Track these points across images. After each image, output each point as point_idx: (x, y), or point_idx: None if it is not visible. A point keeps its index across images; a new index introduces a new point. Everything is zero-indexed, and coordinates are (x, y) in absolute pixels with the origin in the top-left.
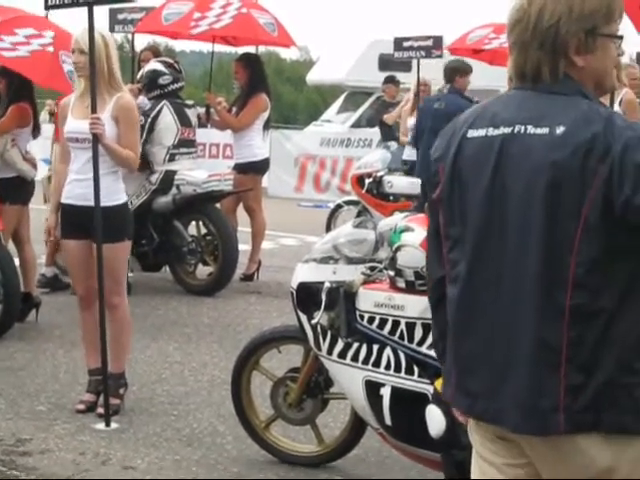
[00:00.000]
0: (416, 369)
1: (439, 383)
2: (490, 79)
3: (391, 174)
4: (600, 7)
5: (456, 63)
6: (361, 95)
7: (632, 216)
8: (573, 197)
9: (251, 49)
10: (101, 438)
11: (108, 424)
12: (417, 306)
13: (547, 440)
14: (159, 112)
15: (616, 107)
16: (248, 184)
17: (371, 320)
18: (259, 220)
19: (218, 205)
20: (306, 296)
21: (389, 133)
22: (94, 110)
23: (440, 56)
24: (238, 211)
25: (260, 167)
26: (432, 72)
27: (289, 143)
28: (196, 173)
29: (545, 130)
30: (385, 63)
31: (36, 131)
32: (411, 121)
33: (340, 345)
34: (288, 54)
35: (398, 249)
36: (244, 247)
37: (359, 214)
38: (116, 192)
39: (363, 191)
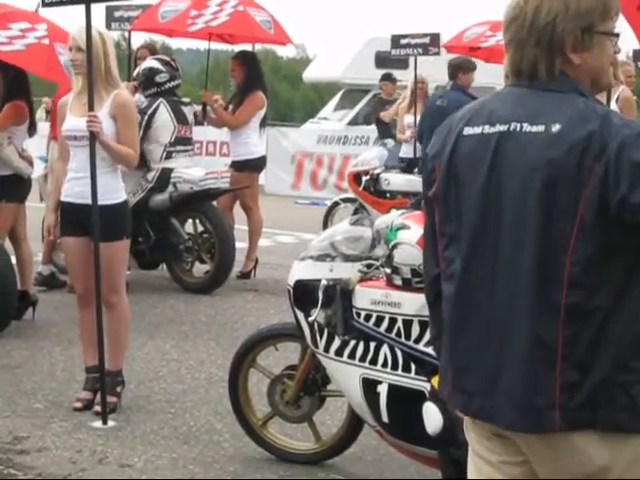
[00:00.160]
0: (413, 366)
1: (436, 380)
2: (486, 76)
3: (388, 171)
4: (596, 5)
5: (459, 60)
6: (358, 93)
7: (628, 214)
8: (569, 195)
9: (247, 47)
10: (98, 436)
11: (105, 422)
12: (414, 303)
13: (543, 438)
14: (155, 110)
15: (613, 105)
16: (245, 182)
17: (368, 317)
18: (256, 218)
19: (215, 203)
20: (303, 294)
21: (386, 130)
22: (91, 108)
23: (437, 53)
24: (235, 209)
25: (257, 165)
26: (429, 69)
27: (286, 141)
28: (193, 171)
29: (541, 128)
30: (382, 60)
31: (32, 129)
32: (408, 118)
33: (337, 343)
34: (285, 52)
35: (395, 247)
36: (241, 245)
37: (356, 211)
38: (115, 190)
39: (360, 188)
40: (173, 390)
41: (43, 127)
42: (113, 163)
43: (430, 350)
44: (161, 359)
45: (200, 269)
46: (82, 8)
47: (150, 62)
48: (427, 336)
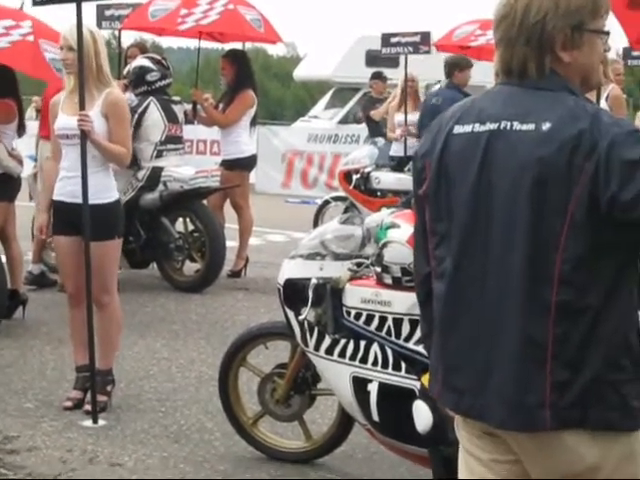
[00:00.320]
0: (403, 365)
1: (426, 379)
2: (476, 75)
3: (378, 170)
4: (586, 3)
5: (456, 58)
6: (348, 91)
7: (618, 212)
8: (559, 194)
9: (238, 45)
10: (88, 435)
11: (95, 421)
12: (404, 302)
13: (533, 436)
14: (146, 108)
15: (603, 103)
16: (235, 180)
17: (358, 316)
18: (246, 216)
19: (205, 202)
20: (293, 292)
21: (376, 129)
22: (82, 107)
23: (428, 52)
24: (225, 207)
25: (247, 163)
26: (419, 68)
27: (276, 139)
28: (183, 170)
29: (531, 126)
30: (372, 59)
31: (21, 129)
32: (398, 117)
33: (327, 341)
34: (275, 50)
35: (384, 245)
36: (231, 243)
37: (346, 210)
38: (107, 189)
39: (350, 187)
40: (164, 389)
41: (32, 126)
42: (105, 162)
43: (420, 348)
44: (152, 358)
45: (191, 268)
46: (72, 7)
47: (141, 60)
48: (417, 335)
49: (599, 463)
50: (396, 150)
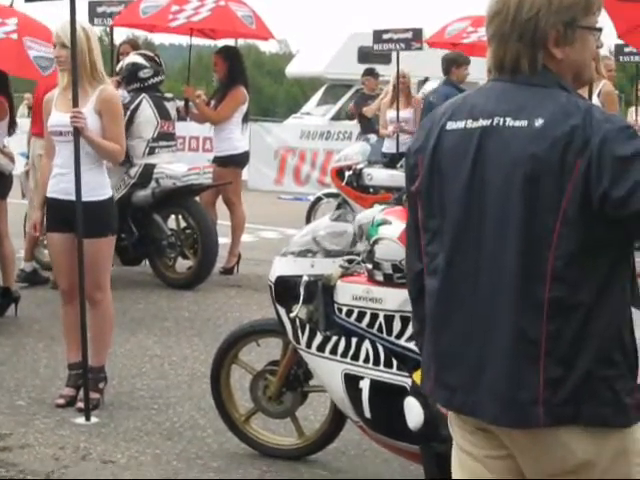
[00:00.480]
0: (395, 362)
1: (418, 375)
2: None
3: (371, 166)
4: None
5: (453, 55)
6: (341, 88)
7: (610, 209)
8: (552, 190)
9: (230, 42)
10: (81, 432)
11: (88, 418)
12: (395, 299)
13: (527, 433)
14: (138, 105)
15: (594, 99)
16: (228, 177)
17: (349, 313)
18: (239, 213)
19: (197, 198)
20: (284, 289)
21: (368, 126)
22: (76, 104)
23: (420, 48)
24: (218, 204)
25: (240, 160)
26: (412, 64)
27: (269, 136)
28: (175, 166)
29: (524, 122)
30: (364, 56)
31: (13, 127)
32: (390, 114)
33: (319, 338)
34: (267, 47)
35: (376, 242)
36: (224, 240)
37: (339, 207)
38: (101, 187)
39: (343, 184)
40: (156, 386)
41: (24, 123)
42: (99, 159)
43: (411, 345)
44: (144, 355)
45: (183, 265)
46: (65, 4)
47: (134, 57)
48: (409, 331)
49: (592, 459)
50: (388, 147)
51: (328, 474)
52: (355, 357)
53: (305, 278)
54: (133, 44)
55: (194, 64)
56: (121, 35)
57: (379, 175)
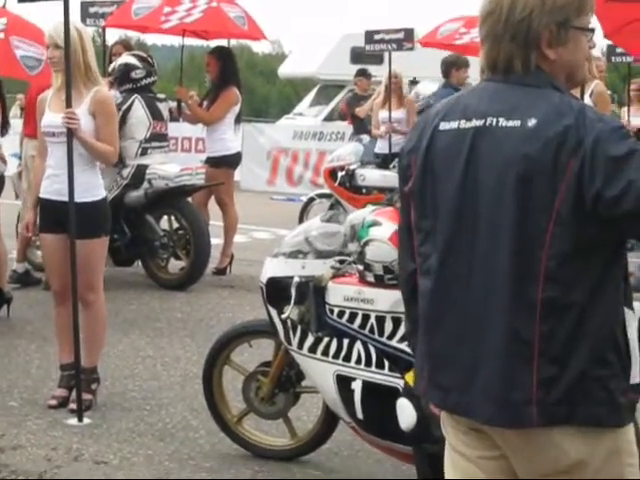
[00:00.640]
0: (386, 363)
1: (410, 376)
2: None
3: (363, 167)
4: (572, 0)
5: (452, 57)
6: (333, 88)
7: (603, 209)
8: (544, 190)
9: (223, 42)
10: (73, 433)
11: (80, 419)
12: (387, 300)
13: (520, 433)
14: (130, 106)
15: (587, 99)
16: (220, 178)
17: (341, 314)
18: (231, 214)
19: (190, 199)
20: (275, 291)
21: (361, 126)
22: (69, 104)
23: (411, 49)
24: (210, 205)
25: (232, 161)
26: (404, 65)
27: (261, 136)
28: (168, 167)
29: (517, 123)
30: (357, 56)
31: (5, 127)
32: (383, 114)
33: (310, 339)
34: (260, 47)
35: (366, 243)
36: (216, 241)
37: (331, 207)
38: (94, 187)
39: (336, 184)
40: (148, 387)
41: (17, 124)
42: (92, 160)
43: (403, 346)
44: (136, 356)
45: (175, 265)
46: (58, 5)
47: (126, 58)
48: (400, 332)
49: (585, 459)
50: (381, 147)
51: (321, 475)
52: (347, 358)
53: (296, 279)
54: (126, 45)
55: (187, 65)
56: (113, 35)
57: (372, 176)
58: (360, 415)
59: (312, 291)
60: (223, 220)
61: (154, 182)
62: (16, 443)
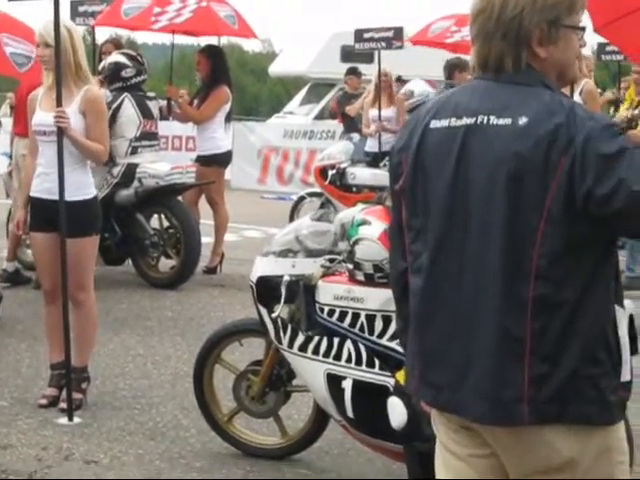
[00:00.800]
0: (377, 361)
1: (400, 375)
2: None
3: (354, 166)
4: None
5: (456, 60)
6: (324, 87)
7: (594, 207)
8: (535, 188)
9: (213, 40)
10: (64, 433)
11: (71, 419)
12: (377, 298)
13: (511, 431)
14: (120, 104)
15: (576, 97)
16: (211, 176)
17: (331, 313)
18: (222, 212)
19: (180, 198)
20: (266, 290)
21: (352, 125)
22: (59, 103)
23: (401, 47)
24: (200, 203)
25: (223, 159)
26: (394, 63)
27: (252, 135)
28: (158, 166)
29: (508, 121)
30: (347, 55)
31: None
32: (373, 112)
33: (301, 338)
34: (251, 46)
35: (356, 242)
36: (207, 240)
37: (322, 206)
38: (85, 186)
39: (326, 183)
40: (139, 386)
41: (7, 123)
42: (82, 158)
43: (394, 345)
44: (127, 355)
45: (166, 264)
46: (48, 3)
47: (116, 56)
48: (390, 331)
49: (576, 457)
50: (371, 146)
51: (311, 474)
52: (337, 357)
53: (287, 278)
54: (116, 43)
55: (177, 63)
56: (103, 34)
57: (362, 174)
58: (351, 414)
59: (302, 290)
60: (214, 219)
61: (144, 181)
62: (6, 442)
